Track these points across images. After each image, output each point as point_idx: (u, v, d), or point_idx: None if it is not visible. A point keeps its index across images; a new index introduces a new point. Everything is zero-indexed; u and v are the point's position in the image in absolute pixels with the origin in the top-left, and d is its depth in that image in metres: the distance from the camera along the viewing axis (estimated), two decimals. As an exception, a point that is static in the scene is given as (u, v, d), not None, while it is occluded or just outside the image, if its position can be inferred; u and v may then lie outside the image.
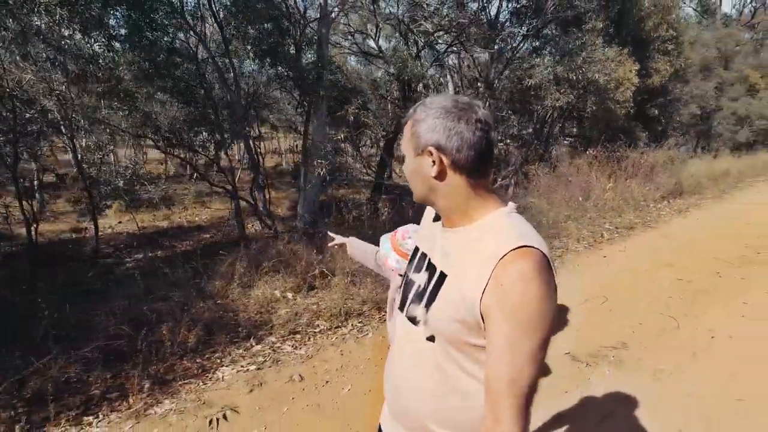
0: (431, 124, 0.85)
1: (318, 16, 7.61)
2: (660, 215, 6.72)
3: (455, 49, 8.84)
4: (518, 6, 8.73)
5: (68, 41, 5.17)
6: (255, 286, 3.66)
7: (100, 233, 7.64)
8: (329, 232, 1.86)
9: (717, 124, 13.62)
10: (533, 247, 0.77)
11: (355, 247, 1.70)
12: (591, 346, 2.98)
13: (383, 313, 3.43)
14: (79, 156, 6.53)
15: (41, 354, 2.44)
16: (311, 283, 3.83)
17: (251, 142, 7.80)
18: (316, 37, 7.56)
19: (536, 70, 8.39)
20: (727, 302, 3.69)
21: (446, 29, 8.58)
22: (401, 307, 0.99)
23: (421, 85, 10.04)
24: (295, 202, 11.74)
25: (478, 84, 9.65)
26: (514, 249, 0.76)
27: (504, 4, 8.95)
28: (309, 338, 3.06)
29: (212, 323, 3.02)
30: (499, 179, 8.83)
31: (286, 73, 7.16)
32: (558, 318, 3.30)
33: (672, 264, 4.61)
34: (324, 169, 6.31)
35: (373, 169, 10.29)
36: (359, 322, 3.29)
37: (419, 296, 0.92)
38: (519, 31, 8.68)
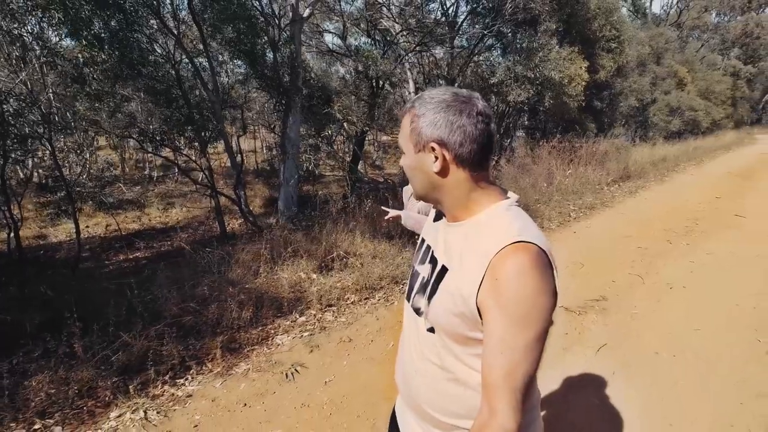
0: (432, 119, 0.82)
1: (290, 16, 7.85)
2: (614, 196, 7.62)
3: (419, 48, 9.31)
4: (476, 7, 9.34)
5: (62, 43, 5.22)
6: (281, 270, 4.02)
7: (70, 238, 7.51)
8: (383, 207, 2.27)
9: (653, 115, 15.09)
10: (530, 242, 0.77)
11: (408, 217, 2.03)
12: (578, 300, 3.62)
13: (401, 285, 3.91)
14: (57, 158, 6.49)
15: (122, 332, 2.73)
16: (330, 265, 4.24)
17: (232, 141, 8.00)
18: (289, 38, 7.81)
19: (498, 68, 9.08)
20: (678, 262, 4.49)
21: (412, 29, 9.09)
22: (408, 297, 1.00)
23: (387, 82, 10.48)
24: (265, 200, 11.90)
25: (440, 81, 10.22)
26: (510, 243, 0.76)
27: (462, 5, 9.51)
28: (344, 309, 3.49)
29: (257, 301, 3.37)
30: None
31: (262, 73, 7.36)
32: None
33: (631, 235, 5.40)
34: (312, 164, 6.66)
35: (348, 163, 10.66)
36: (384, 294, 3.75)
37: (423, 288, 0.93)
38: (478, 30, 9.33)
